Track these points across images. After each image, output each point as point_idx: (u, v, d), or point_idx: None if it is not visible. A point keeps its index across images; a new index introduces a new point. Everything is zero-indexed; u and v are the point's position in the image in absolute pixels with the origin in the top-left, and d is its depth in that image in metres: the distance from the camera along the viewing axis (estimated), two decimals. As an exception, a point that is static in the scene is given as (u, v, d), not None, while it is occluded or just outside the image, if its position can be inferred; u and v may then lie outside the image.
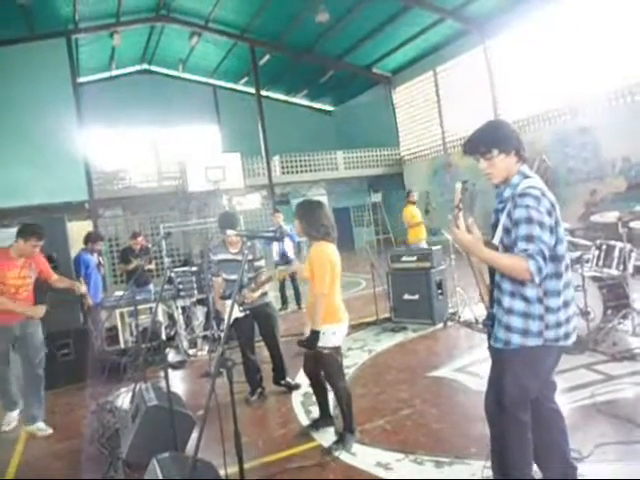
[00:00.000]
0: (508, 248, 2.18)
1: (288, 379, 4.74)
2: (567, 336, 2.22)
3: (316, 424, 3.75)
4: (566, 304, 2.22)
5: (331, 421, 3.71)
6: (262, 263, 4.65)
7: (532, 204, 2.10)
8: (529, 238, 2.06)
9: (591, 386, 3.86)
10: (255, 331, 4.70)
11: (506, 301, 2.23)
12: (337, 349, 3.46)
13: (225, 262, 4.65)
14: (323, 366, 3.50)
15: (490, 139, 2.25)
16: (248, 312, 4.41)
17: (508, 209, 2.19)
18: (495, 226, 2.30)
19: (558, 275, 2.19)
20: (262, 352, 6.27)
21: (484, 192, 14.87)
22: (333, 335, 3.40)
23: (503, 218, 2.22)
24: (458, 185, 2.35)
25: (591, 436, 3.03)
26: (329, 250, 3.45)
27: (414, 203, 9.28)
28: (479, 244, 2.19)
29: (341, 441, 3.39)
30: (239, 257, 4.54)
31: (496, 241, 2.25)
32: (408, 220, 9.21)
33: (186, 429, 3.39)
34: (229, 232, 4.43)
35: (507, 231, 2.20)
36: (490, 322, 2.33)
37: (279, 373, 4.73)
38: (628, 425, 3.17)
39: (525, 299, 2.18)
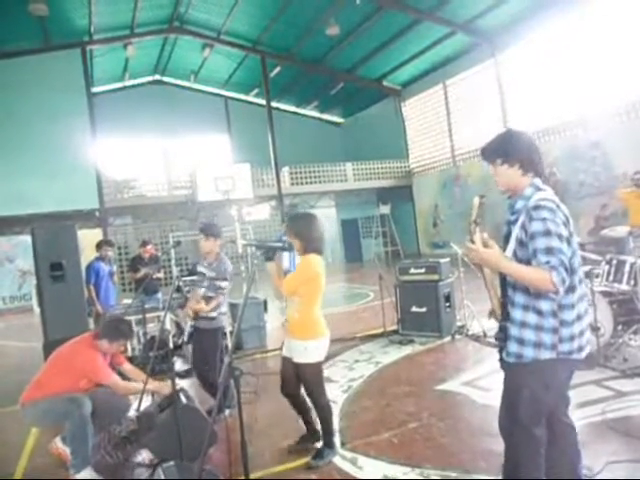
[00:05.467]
0: (522, 261, 2.16)
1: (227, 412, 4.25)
2: (580, 349, 2.20)
3: (303, 440, 3.64)
4: (579, 317, 2.20)
5: (317, 436, 3.59)
6: (225, 284, 4.41)
7: (548, 216, 2.09)
8: (549, 250, 2.04)
9: (602, 402, 3.81)
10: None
11: (519, 314, 2.22)
12: (319, 364, 3.39)
13: (198, 274, 4.57)
14: (304, 382, 3.43)
15: (497, 148, 2.29)
16: (192, 329, 4.37)
17: (522, 221, 2.17)
18: (507, 238, 2.28)
19: (572, 288, 2.17)
20: (266, 363, 6.28)
21: (492, 204, 14.91)
22: (316, 350, 3.33)
23: (516, 230, 2.20)
24: (476, 200, 2.30)
25: (602, 453, 2.99)
26: (318, 263, 3.35)
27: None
28: (501, 257, 2.13)
29: (319, 456, 3.35)
30: (205, 270, 4.48)
31: (508, 253, 2.22)
32: None
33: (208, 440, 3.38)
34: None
35: (521, 244, 2.18)
36: (502, 335, 2.30)
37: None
38: None
39: (538, 312, 2.17)
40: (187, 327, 4.51)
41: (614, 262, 5.12)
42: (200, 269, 4.57)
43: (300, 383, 3.48)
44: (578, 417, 3.49)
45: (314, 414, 3.59)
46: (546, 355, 2.16)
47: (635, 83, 12.17)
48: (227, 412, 4.27)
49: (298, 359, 3.36)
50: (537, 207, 2.13)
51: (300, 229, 3.36)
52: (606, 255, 5.27)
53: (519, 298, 2.22)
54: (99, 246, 7.05)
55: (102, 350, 3.74)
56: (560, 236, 2.07)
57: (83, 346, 3.72)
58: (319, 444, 3.53)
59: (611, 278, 5.10)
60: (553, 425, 2.34)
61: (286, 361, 3.49)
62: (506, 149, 2.26)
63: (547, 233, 2.07)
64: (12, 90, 14.49)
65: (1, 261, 16.55)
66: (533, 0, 13.66)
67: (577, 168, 13.51)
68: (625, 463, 2.88)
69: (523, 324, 2.20)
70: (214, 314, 4.30)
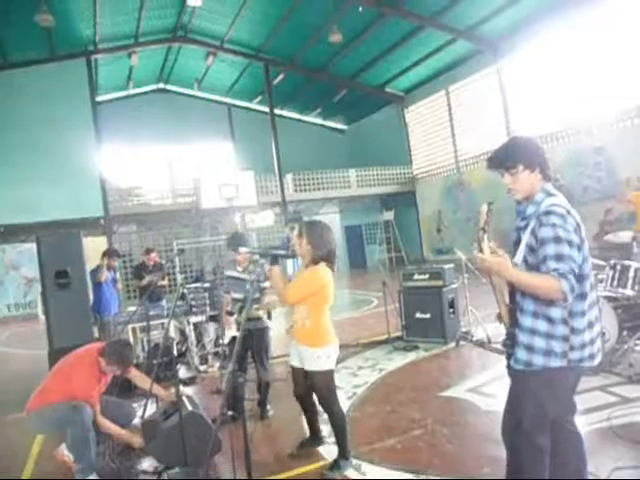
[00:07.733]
0: (533, 267, 2.14)
1: (268, 406, 4.60)
2: (592, 357, 2.17)
3: (304, 445, 3.65)
4: (591, 324, 2.17)
5: (321, 440, 3.61)
6: (267, 284, 4.54)
7: (558, 222, 2.06)
8: (559, 257, 2.02)
9: (607, 408, 3.79)
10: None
11: (528, 321, 2.18)
12: (331, 372, 3.35)
13: (232, 279, 4.74)
14: (316, 390, 3.40)
15: (516, 154, 2.22)
16: (245, 332, 4.41)
17: (532, 227, 2.15)
18: (517, 244, 2.25)
19: (583, 295, 2.14)
20: (272, 370, 6.26)
21: (498, 211, 14.86)
22: (328, 358, 3.30)
23: (526, 236, 2.17)
24: (484, 207, 2.27)
25: (608, 459, 2.97)
26: (325, 274, 3.29)
27: None
28: (508, 265, 2.10)
29: (336, 467, 3.30)
30: (243, 275, 4.61)
31: (518, 260, 2.19)
32: None
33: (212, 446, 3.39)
34: (241, 249, 4.45)
35: (531, 250, 2.15)
36: (510, 342, 2.27)
37: (262, 395, 4.60)
38: (645, 449, 3.10)
39: (549, 320, 2.13)
40: (229, 332, 4.65)
41: (618, 267, 5.09)
42: (233, 274, 4.71)
43: (311, 389, 3.46)
44: (583, 423, 3.47)
45: (320, 417, 3.60)
46: (556, 363, 2.12)
47: (638, 87, 12.16)
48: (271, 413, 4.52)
49: (310, 367, 3.31)
50: (547, 213, 2.10)
51: (316, 237, 3.30)
52: (610, 260, 5.25)
53: (528, 305, 2.18)
54: (106, 255, 7.06)
55: (102, 367, 3.73)
56: (570, 243, 2.05)
57: (85, 364, 3.72)
58: (321, 447, 3.54)
59: (615, 283, 5.07)
60: (558, 433, 2.31)
61: (296, 370, 3.47)
62: (527, 154, 2.21)
63: (557, 239, 2.04)
64: (18, 99, 14.64)
65: (7, 269, 16.64)
66: (535, 6, 13.71)
67: (581, 173, 13.49)
68: (631, 469, 2.86)
69: (533, 331, 2.16)
70: (262, 314, 4.47)
